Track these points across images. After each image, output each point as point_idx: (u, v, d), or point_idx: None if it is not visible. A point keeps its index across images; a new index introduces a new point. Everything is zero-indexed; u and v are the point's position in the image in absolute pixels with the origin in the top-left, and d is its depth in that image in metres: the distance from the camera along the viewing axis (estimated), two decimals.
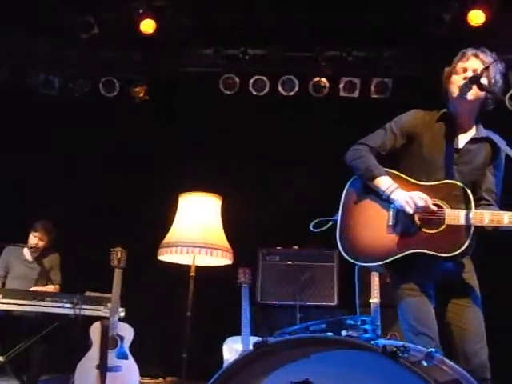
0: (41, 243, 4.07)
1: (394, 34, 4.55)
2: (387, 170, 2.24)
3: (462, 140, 2.22)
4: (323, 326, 1.60)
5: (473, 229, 2.02)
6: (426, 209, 2.08)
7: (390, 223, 2.14)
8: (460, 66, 2.18)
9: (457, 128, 2.23)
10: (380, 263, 2.13)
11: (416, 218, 2.10)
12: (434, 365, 1.51)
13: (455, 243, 2.02)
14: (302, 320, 3.99)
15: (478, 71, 2.07)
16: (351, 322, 1.58)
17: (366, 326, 1.57)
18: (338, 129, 4.84)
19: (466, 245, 2.00)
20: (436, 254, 2.03)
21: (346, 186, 2.31)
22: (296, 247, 4.45)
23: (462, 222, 2.02)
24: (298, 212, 4.69)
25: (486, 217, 2.01)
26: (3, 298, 3.54)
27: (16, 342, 3.57)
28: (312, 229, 2.44)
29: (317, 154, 4.91)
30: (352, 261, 2.19)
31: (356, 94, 4.98)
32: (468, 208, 2.05)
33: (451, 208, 2.07)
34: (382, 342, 1.55)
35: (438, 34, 4.27)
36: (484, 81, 2.08)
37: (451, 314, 2.14)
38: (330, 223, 2.32)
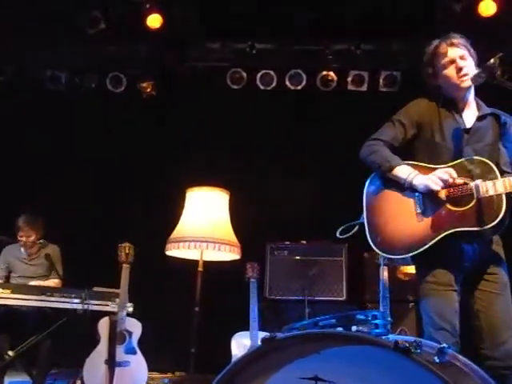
0: (29, 239, 4.02)
1: (403, 26, 4.49)
2: (404, 161, 2.24)
3: (469, 120, 2.24)
4: (333, 320, 1.57)
5: (505, 197, 1.98)
6: (452, 180, 2.05)
7: (419, 210, 2.13)
8: (445, 61, 2.20)
9: (460, 110, 2.25)
10: (417, 251, 2.09)
11: (444, 199, 2.08)
12: (447, 361, 1.48)
13: (490, 215, 1.99)
14: (310, 315, 3.97)
15: (491, 60, 2.03)
16: (362, 316, 1.55)
17: (377, 321, 1.54)
18: (346, 123, 4.80)
19: (501, 214, 1.97)
20: (473, 229, 2.01)
21: (365, 188, 2.30)
22: (304, 242, 4.42)
23: (492, 192, 2.00)
24: (307, 206, 4.69)
25: None
26: (12, 293, 3.54)
27: (25, 337, 3.58)
28: (339, 235, 2.44)
29: (326, 148, 4.88)
30: (389, 256, 2.19)
31: (364, 88, 4.94)
32: (494, 178, 2.02)
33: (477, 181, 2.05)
34: (393, 337, 1.53)
35: (447, 25, 4.20)
36: (498, 71, 2.05)
37: (480, 301, 2.12)
38: (356, 228, 2.33)
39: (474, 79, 2.11)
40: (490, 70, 2.02)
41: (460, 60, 2.18)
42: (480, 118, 2.23)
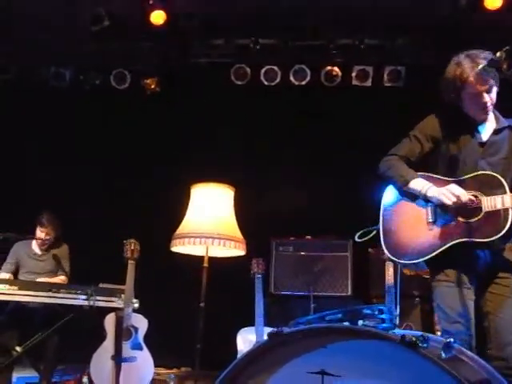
0: (48, 237, 4.08)
1: (407, 21, 4.47)
2: (419, 173, 2.33)
3: (485, 133, 2.30)
4: (339, 315, 1.58)
5: (511, 212, 2.07)
6: (462, 197, 2.15)
7: (430, 220, 2.24)
8: (470, 92, 2.20)
9: (476, 122, 2.30)
10: (425, 258, 2.20)
11: (455, 210, 2.18)
12: (453, 355, 1.48)
13: (496, 227, 2.08)
14: (315, 310, 3.97)
15: (498, 54, 2.01)
16: (368, 311, 1.55)
17: (383, 316, 1.55)
18: (351, 118, 4.78)
19: (507, 227, 2.06)
20: (478, 240, 2.11)
21: (383, 197, 2.43)
22: (309, 237, 4.42)
23: (499, 206, 2.10)
24: (312, 202, 4.68)
25: None
26: (19, 289, 3.56)
27: (32, 333, 3.60)
28: (357, 239, 2.59)
29: (330, 144, 4.86)
30: (399, 261, 2.29)
31: (369, 83, 4.92)
32: (503, 193, 2.11)
33: (486, 196, 2.14)
34: (399, 331, 1.53)
35: (452, 19, 4.17)
36: (505, 64, 2.04)
37: (490, 303, 2.19)
38: (374, 232, 2.46)
39: (481, 74, 2.11)
40: (496, 63, 2.01)
41: (486, 94, 2.20)
42: (496, 132, 2.28)
